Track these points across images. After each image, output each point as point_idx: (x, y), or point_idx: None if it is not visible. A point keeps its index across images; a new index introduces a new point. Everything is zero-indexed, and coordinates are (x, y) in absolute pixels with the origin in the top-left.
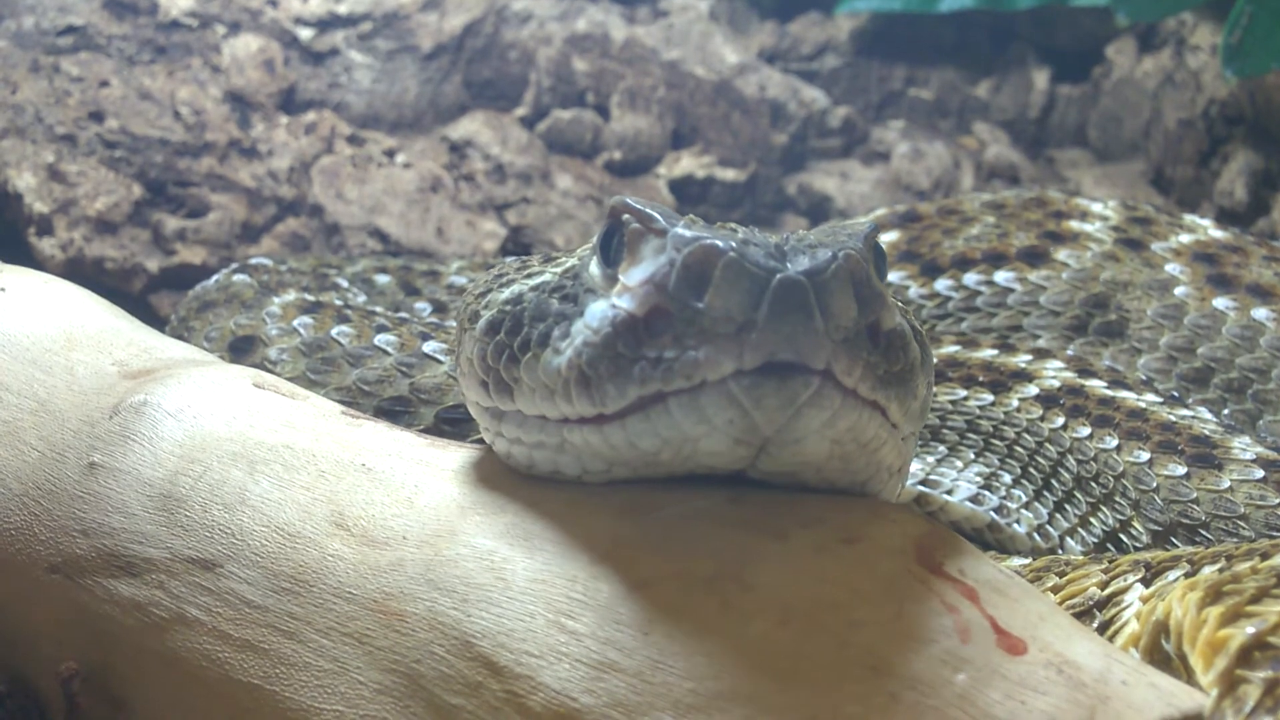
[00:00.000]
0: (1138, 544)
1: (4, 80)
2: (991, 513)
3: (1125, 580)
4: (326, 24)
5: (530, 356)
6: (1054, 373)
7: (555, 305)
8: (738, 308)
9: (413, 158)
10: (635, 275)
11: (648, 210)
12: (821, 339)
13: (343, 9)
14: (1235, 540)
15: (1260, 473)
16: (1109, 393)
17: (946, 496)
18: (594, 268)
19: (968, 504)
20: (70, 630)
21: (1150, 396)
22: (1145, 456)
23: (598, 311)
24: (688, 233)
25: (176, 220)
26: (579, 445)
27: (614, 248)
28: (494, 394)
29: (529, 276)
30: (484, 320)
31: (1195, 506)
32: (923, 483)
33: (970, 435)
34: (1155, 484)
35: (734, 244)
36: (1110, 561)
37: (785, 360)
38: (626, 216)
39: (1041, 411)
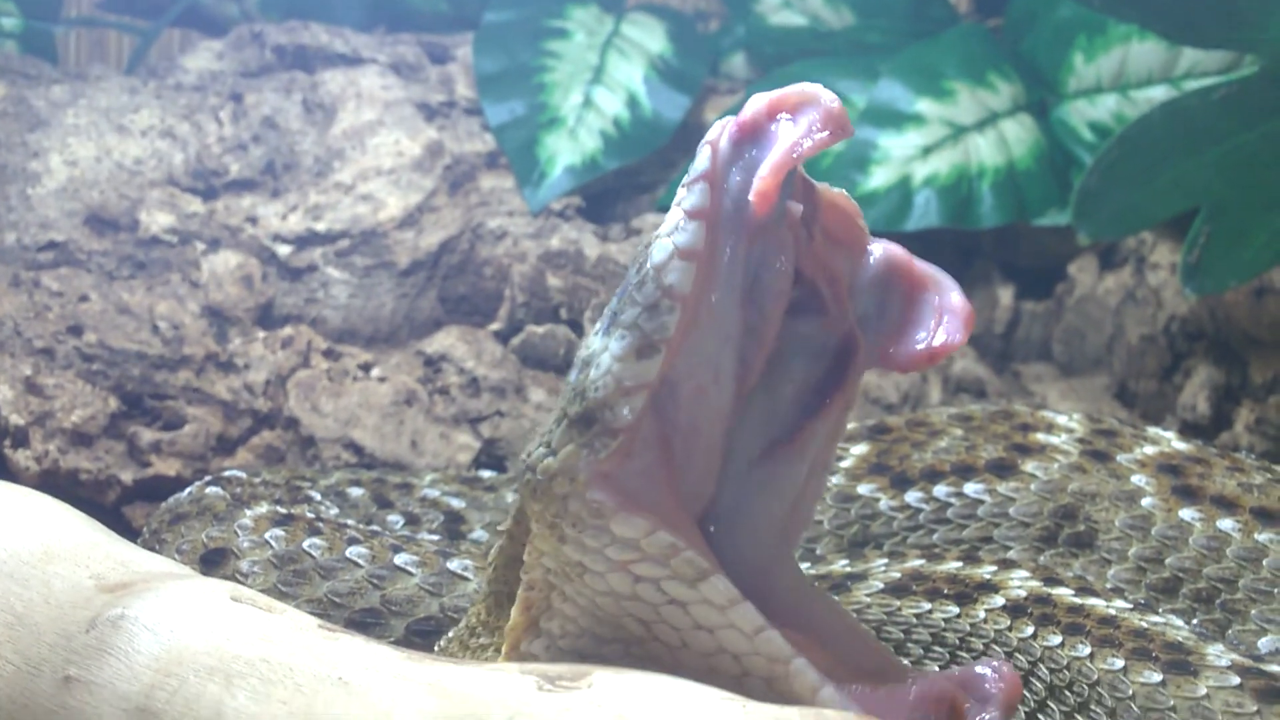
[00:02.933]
0: None
1: None
2: None
3: None
4: (305, 240)
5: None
6: (1020, 582)
7: None
8: None
9: (388, 371)
10: None
11: None
12: None
13: (321, 226)
14: None
15: (1236, 679)
16: (1077, 600)
17: None
18: None
19: None
20: None
21: (1120, 603)
22: (1119, 664)
23: None
24: None
25: (152, 432)
26: None
27: None
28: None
29: None
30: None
31: (1173, 714)
32: None
33: (935, 649)
34: (1131, 691)
35: None
36: None
37: None
38: None
39: (1009, 621)
